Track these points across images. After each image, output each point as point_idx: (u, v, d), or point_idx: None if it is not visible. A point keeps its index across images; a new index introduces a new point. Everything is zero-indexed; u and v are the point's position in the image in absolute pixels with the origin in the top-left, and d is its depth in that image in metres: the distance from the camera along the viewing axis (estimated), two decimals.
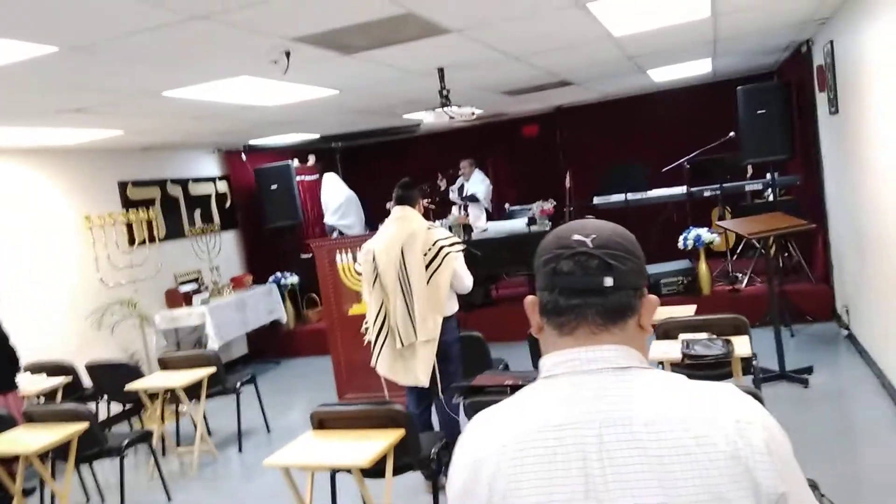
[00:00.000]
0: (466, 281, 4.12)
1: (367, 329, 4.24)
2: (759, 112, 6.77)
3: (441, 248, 3.99)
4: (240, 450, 5.42)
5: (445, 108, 5.12)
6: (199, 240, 7.83)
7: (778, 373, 5.03)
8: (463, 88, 5.77)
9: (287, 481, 3.10)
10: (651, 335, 1.12)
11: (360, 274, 4.43)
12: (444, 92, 5.10)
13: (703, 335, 3.80)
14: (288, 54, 3.79)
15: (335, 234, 7.98)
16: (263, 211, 8.53)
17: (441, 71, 4.94)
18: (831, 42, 5.33)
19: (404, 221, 4.07)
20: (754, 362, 3.92)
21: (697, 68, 7.18)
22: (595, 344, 1.08)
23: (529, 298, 1.16)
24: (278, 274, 8.33)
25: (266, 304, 7.98)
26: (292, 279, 8.37)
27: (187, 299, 7.23)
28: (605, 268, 1.07)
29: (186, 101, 4.77)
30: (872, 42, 4.21)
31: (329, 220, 8.29)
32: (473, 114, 5.40)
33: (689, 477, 0.98)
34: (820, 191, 6.60)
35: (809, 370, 5.13)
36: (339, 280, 5.93)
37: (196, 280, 7.65)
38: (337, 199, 8.26)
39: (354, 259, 5.76)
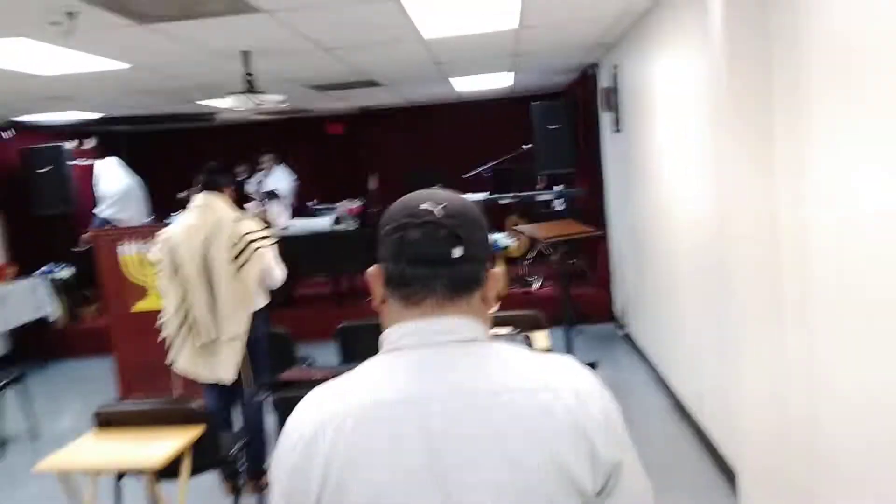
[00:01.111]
0: (277, 274, 3.91)
1: (163, 323, 3.88)
2: (552, 127, 7.27)
3: (250, 241, 3.75)
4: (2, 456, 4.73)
5: (250, 95, 4.87)
6: None
7: None
8: (268, 77, 5.53)
9: (63, 488, 2.73)
10: (493, 307, 1.12)
11: (154, 264, 4.04)
12: (249, 77, 4.85)
13: (507, 329, 3.96)
14: (72, 16, 3.37)
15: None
16: (31, 196, 7.57)
17: (246, 55, 4.69)
18: (615, 66, 5.85)
19: (208, 210, 3.76)
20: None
21: (499, 81, 7.54)
22: (442, 315, 1.05)
23: (373, 268, 1.11)
24: (51, 266, 7.42)
25: (31, 301, 7.07)
26: (65, 272, 7.51)
27: None
28: (454, 238, 1.04)
29: None
30: (653, 67, 4.67)
31: (103, 212, 7.52)
32: (282, 102, 5.19)
33: (533, 449, 0.98)
34: (602, 202, 7.21)
35: (594, 365, 5.55)
36: (123, 274, 5.41)
37: None
38: (114, 187, 7.52)
39: (140, 250, 5.31)
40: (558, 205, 7.60)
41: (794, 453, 2.70)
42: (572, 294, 6.72)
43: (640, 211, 5.54)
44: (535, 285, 7.44)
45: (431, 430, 0.99)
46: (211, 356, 3.74)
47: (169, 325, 3.79)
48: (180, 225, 3.82)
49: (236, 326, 3.72)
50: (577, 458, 0.99)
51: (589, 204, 7.54)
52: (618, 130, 6.05)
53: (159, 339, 3.87)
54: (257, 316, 3.86)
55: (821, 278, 2.43)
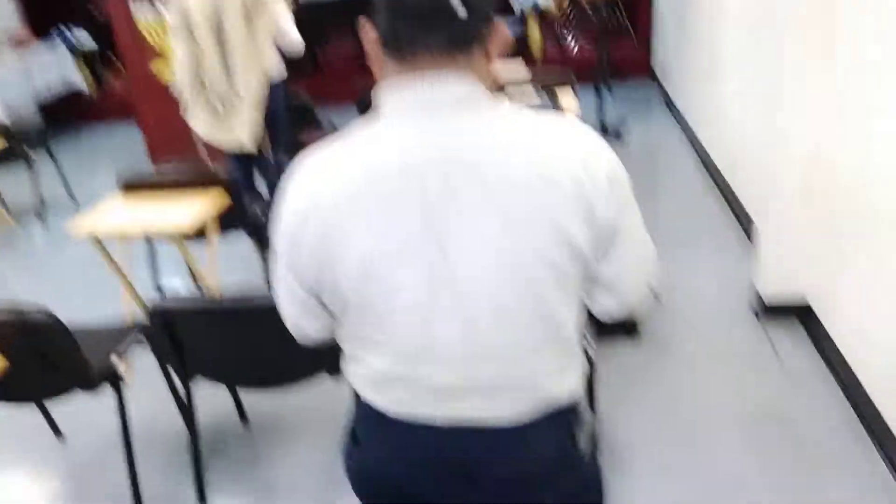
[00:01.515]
0: (294, 36, 3.77)
1: (179, 89, 3.83)
2: None
3: None
4: (43, 221, 4.97)
5: None
6: None
7: (598, 127, 5.26)
8: None
9: (99, 250, 2.86)
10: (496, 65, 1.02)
11: (169, 26, 3.90)
12: None
13: (529, 87, 3.80)
14: None
15: None
16: None
17: None
18: None
19: None
20: (578, 116, 4.02)
21: None
22: (440, 75, 0.96)
23: (365, 23, 1.00)
24: (63, 29, 7.20)
25: (57, 68, 6.98)
26: (86, 40, 7.31)
27: None
28: None
29: None
30: None
31: None
32: None
33: (529, 207, 0.95)
34: None
35: (625, 125, 5.40)
36: (141, 38, 5.25)
37: None
38: None
39: (154, 9, 5.11)
40: None
41: (821, 205, 2.65)
42: (610, 52, 6.39)
43: None
44: (571, 43, 7.04)
45: (427, 193, 0.96)
46: (228, 118, 3.73)
47: (185, 89, 3.74)
48: None
49: (252, 87, 3.67)
50: (576, 217, 0.96)
51: None
52: None
53: (181, 109, 3.85)
54: (276, 87, 3.81)
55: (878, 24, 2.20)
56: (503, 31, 1.01)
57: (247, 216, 3.27)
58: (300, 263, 1.04)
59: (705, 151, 4.55)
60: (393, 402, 1.08)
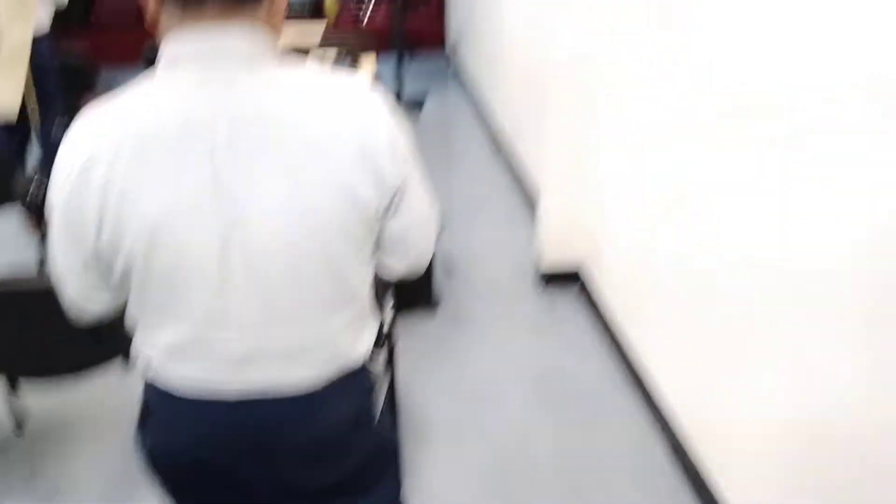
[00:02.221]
0: None
1: None
2: None
3: None
4: None
5: None
6: None
7: (396, 97, 5.35)
8: None
9: None
10: (282, 21, 1.03)
11: None
12: None
13: (333, 52, 3.78)
14: None
15: None
16: None
17: None
18: None
19: None
20: (378, 83, 4.07)
21: None
22: (225, 26, 0.94)
23: None
24: None
25: None
26: None
27: None
28: None
29: None
30: None
31: None
32: None
33: (317, 167, 0.97)
34: None
35: (423, 99, 5.54)
36: None
37: None
38: None
39: None
40: None
41: (587, 182, 2.95)
42: (406, 28, 6.48)
43: None
44: (367, 16, 7.03)
45: (214, 153, 0.94)
46: None
47: None
48: None
49: (16, 37, 3.26)
50: (363, 179, 0.99)
51: None
52: None
53: None
54: (41, 40, 3.40)
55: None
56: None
57: (16, 191, 2.95)
58: (80, 227, 0.98)
59: (495, 128, 4.81)
60: (185, 378, 1.07)
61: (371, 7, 6.98)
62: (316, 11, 6.67)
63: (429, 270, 3.04)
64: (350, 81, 1.04)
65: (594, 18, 2.72)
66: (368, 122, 1.01)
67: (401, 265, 1.17)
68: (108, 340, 1.84)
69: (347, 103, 1.01)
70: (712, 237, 1.96)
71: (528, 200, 3.90)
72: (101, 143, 0.94)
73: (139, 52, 3.88)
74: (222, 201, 0.95)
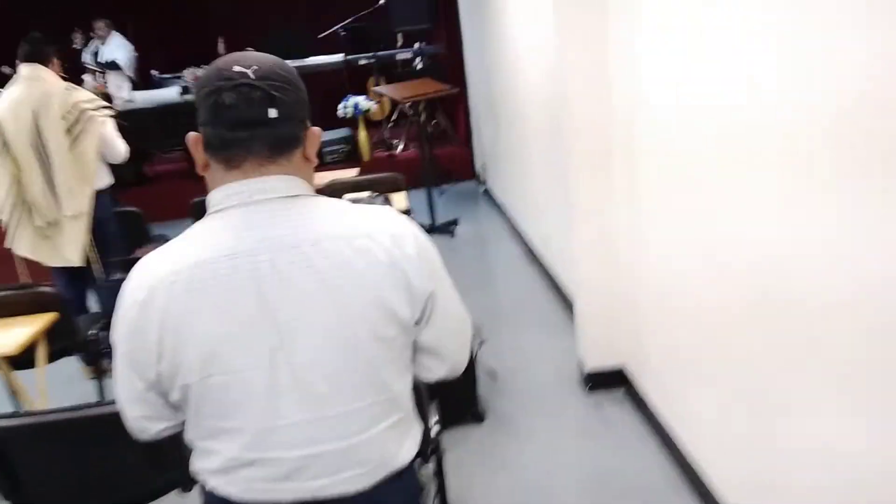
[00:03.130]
0: (119, 147, 3.72)
1: None
2: None
3: (83, 110, 3.51)
4: None
5: None
6: None
7: (430, 226, 5.57)
8: None
9: None
10: (314, 164, 1.18)
11: None
12: None
13: (366, 194, 4.01)
14: None
15: None
16: None
17: None
18: None
19: (36, 82, 3.48)
20: (411, 217, 4.27)
21: None
22: (262, 175, 1.09)
23: (192, 135, 1.12)
24: None
25: None
26: None
27: None
28: (268, 99, 1.06)
29: None
30: None
31: None
32: None
33: (354, 286, 1.07)
34: (461, 59, 7.18)
35: (455, 222, 5.76)
36: None
37: None
38: None
39: None
40: (418, 63, 7.50)
41: (621, 283, 3.01)
42: (435, 154, 6.84)
43: (493, 67, 5.59)
44: (399, 148, 7.45)
45: (260, 280, 1.05)
46: (54, 237, 3.58)
47: (2, 207, 3.56)
48: (5, 100, 3.52)
49: (78, 203, 3.55)
50: (395, 291, 1.09)
51: (448, 61, 7.49)
52: None
53: None
54: (102, 195, 3.71)
55: (646, 145, 2.62)
56: (317, 133, 1.15)
57: (78, 338, 3.14)
58: (142, 356, 1.08)
59: (528, 241, 4.96)
60: (241, 490, 1.13)
61: (402, 143, 7.42)
62: (350, 156, 7.11)
63: (473, 382, 3.08)
64: (377, 209, 1.17)
65: (613, 120, 2.89)
66: (397, 238, 1.11)
67: (439, 370, 1.25)
68: (167, 468, 1.92)
69: (377, 224, 1.13)
70: (757, 325, 1.98)
71: (566, 305, 3.96)
72: (158, 280, 1.07)
73: (186, 207, 4.17)
74: (268, 324, 1.05)
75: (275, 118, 1.07)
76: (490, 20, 5.39)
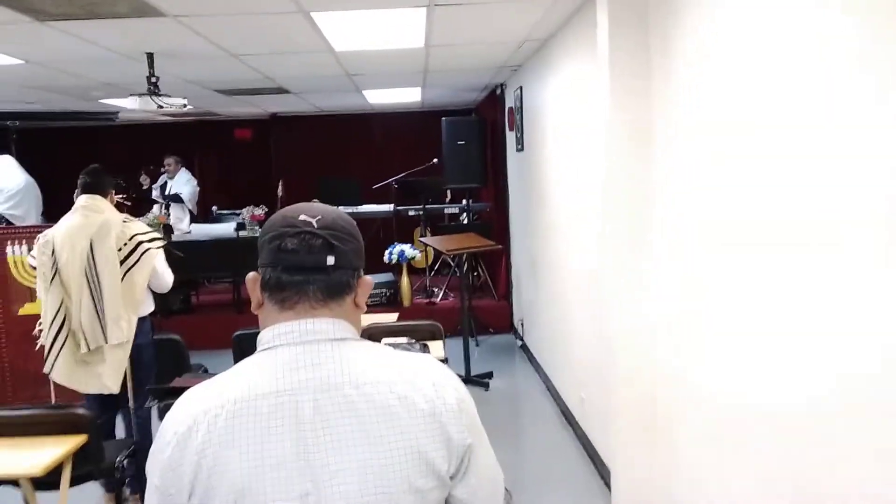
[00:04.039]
0: (167, 279, 3.82)
1: (41, 331, 3.71)
2: (460, 142, 7.44)
3: (139, 242, 3.65)
4: None
5: (154, 97, 4.80)
6: None
7: (464, 377, 5.53)
8: (173, 79, 5.47)
9: None
10: (363, 311, 1.22)
11: (34, 268, 3.85)
12: (153, 79, 4.78)
13: (404, 339, 4.05)
14: None
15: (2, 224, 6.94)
16: None
17: (150, 56, 4.63)
18: (521, 87, 6.08)
19: (93, 212, 3.63)
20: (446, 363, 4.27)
21: (409, 96, 7.66)
22: (313, 318, 1.13)
23: (251, 275, 1.18)
24: None
25: None
26: None
27: None
28: (327, 247, 1.13)
29: None
30: (550, 90, 4.90)
31: (1, 207, 7.19)
32: (185, 105, 5.12)
33: (392, 433, 1.08)
34: (506, 217, 7.43)
35: (490, 375, 5.72)
36: (9, 275, 5.19)
37: None
38: (13, 184, 7.20)
39: (29, 250, 5.09)
40: (464, 218, 7.79)
41: (660, 453, 2.91)
42: (474, 305, 6.92)
43: (534, 228, 5.77)
44: (438, 296, 7.57)
45: (300, 420, 1.06)
46: (93, 364, 3.57)
47: (46, 333, 3.61)
48: (62, 227, 3.64)
49: (123, 332, 3.60)
50: (433, 443, 1.09)
51: (494, 218, 7.76)
52: (520, 149, 6.27)
53: (37, 347, 3.71)
54: (143, 322, 3.76)
55: (687, 299, 2.65)
56: (369, 283, 1.20)
57: (103, 464, 3.11)
58: (174, 490, 1.07)
59: (563, 401, 4.87)
60: None
61: (443, 292, 7.55)
62: (392, 301, 7.25)
63: None
64: (420, 356, 1.20)
65: (651, 293, 2.93)
66: (437, 388, 1.13)
67: None
68: None
69: (420, 372, 1.15)
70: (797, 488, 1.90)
71: (601, 474, 3.82)
72: (201, 414, 1.08)
73: (227, 338, 4.24)
74: (302, 468, 1.05)
75: (331, 265, 1.13)
76: (532, 184, 5.63)
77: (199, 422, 1.08)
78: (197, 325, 6.75)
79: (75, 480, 2.93)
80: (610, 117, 2.97)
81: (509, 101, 6.81)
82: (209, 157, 9.81)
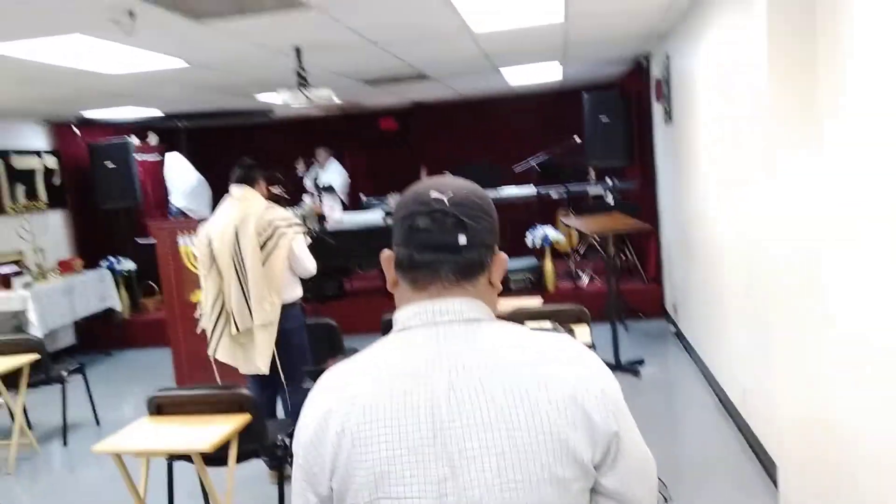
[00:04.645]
0: (308, 264, 3.97)
1: (201, 315, 4.02)
2: (603, 119, 7.19)
3: (277, 227, 3.83)
4: (64, 443, 4.99)
5: (302, 89, 4.99)
6: (22, 218, 7.13)
7: (614, 364, 5.35)
8: (320, 72, 5.67)
9: (120, 469, 2.87)
10: (499, 290, 1.16)
11: (197, 258, 4.18)
12: (300, 72, 4.97)
13: (548, 324, 3.96)
14: (132, 14, 3.51)
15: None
16: (97, 190, 7.90)
17: (298, 50, 4.81)
18: (668, 56, 5.76)
19: (242, 202, 3.89)
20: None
21: (549, 74, 7.49)
22: (447, 298, 1.09)
23: (385, 253, 1.16)
24: (111, 259, 7.74)
25: (97, 291, 7.40)
26: (128, 265, 7.81)
27: (6, 282, 6.56)
28: (460, 226, 1.08)
29: (9, 60, 4.31)
30: (701, 57, 4.58)
31: (178, 202, 7.85)
32: (331, 97, 5.30)
33: (531, 419, 1.01)
34: (654, 196, 7.11)
35: (641, 362, 5.50)
36: (182, 265, 5.62)
37: (17, 262, 6.95)
38: (188, 180, 7.84)
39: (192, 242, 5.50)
40: (609, 198, 7.52)
41: (833, 447, 2.65)
42: (622, 289, 6.69)
43: (687, 206, 5.45)
44: (584, 280, 7.39)
45: (435, 403, 1.03)
46: (247, 345, 3.83)
47: (207, 317, 3.90)
48: (216, 218, 3.94)
49: (267, 314, 3.80)
50: (575, 430, 1.01)
51: (641, 198, 7.45)
52: (669, 122, 5.95)
53: (198, 331, 4.00)
54: (291, 307, 3.93)
55: (858, 282, 2.37)
56: (504, 259, 1.14)
57: (266, 442, 3.29)
58: (316, 470, 1.07)
59: (722, 390, 4.58)
60: None
61: (588, 276, 7.36)
62: (535, 286, 7.16)
63: None
64: (561, 337, 1.12)
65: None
66: (580, 372, 1.06)
67: None
68: None
69: (559, 355, 1.08)
70: None
71: (766, 468, 3.55)
72: (338, 397, 1.08)
73: (378, 322, 4.36)
74: (439, 452, 1.01)
75: (464, 245, 1.08)
76: (684, 158, 5.32)
77: (337, 403, 1.07)
78: (350, 309, 7.01)
79: (241, 457, 3.11)
80: (769, 82, 2.71)
81: (655, 72, 6.48)
82: (357, 148, 10.15)
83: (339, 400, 1.07)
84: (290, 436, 3.51)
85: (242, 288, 3.80)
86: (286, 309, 3.89)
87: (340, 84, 6.53)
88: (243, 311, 3.81)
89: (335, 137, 9.41)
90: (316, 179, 8.41)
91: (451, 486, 1.01)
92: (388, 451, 1.03)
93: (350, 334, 4.85)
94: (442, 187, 1.11)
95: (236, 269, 3.80)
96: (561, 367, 1.05)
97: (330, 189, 8.28)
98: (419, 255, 1.09)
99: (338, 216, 7.82)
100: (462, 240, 1.08)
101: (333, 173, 8.44)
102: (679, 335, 6.20)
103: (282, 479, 3.65)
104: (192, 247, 5.35)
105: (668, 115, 5.92)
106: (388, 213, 7.29)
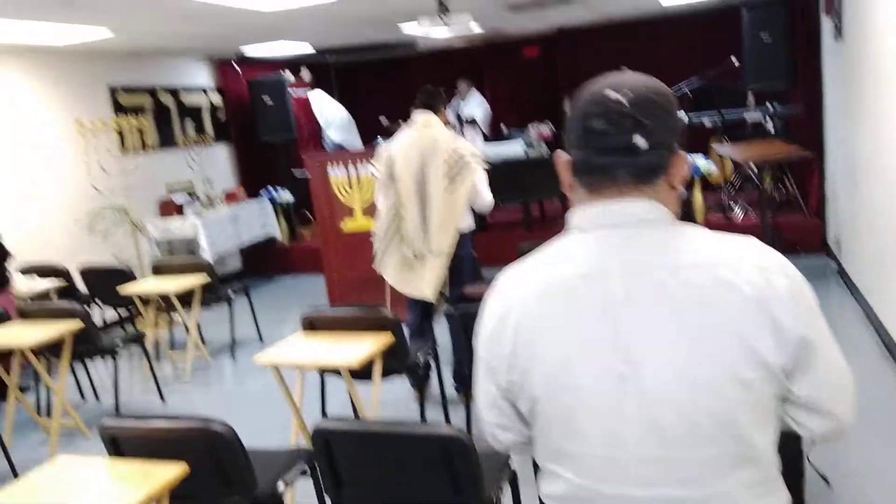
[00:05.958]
0: (487, 197, 3.96)
1: (374, 236, 4.10)
2: (763, 37, 6.63)
3: (463, 157, 3.84)
4: (233, 356, 5.52)
5: (441, 16, 4.97)
6: (192, 151, 7.75)
7: None
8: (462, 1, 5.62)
9: (277, 379, 3.15)
10: (679, 192, 1.11)
11: (375, 177, 4.25)
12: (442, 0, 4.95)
13: None
14: None
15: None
16: (257, 124, 8.40)
17: None
18: None
19: (427, 128, 3.90)
20: None
21: None
22: (623, 200, 1.06)
23: (561, 155, 1.14)
24: (271, 189, 8.27)
25: (260, 219, 7.96)
26: (286, 196, 8.32)
27: (179, 210, 7.20)
28: (637, 126, 1.04)
29: None
30: None
31: (334, 136, 8.19)
32: (470, 22, 5.24)
33: (713, 320, 0.98)
34: (820, 122, 6.53)
35: None
36: (333, 195, 5.90)
37: (188, 191, 7.60)
38: (339, 114, 8.14)
39: (349, 174, 5.74)
40: (770, 125, 6.99)
41: None
42: (779, 223, 6.27)
43: (858, 133, 4.97)
44: (737, 212, 7.00)
45: (612, 302, 1.03)
46: (417, 270, 3.90)
47: (380, 230, 3.97)
48: (399, 141, 3.97)
49: (444, 243, 3.85)
50: (759, 331, 0.98)
51: (805, 124, 6.86)
52: (839, 38, 5.40)
53: (375, 250, 4.08)
54: (465, 237, 3.99)
55: None
56: (684, 158, 1.08)
57: (408, 361, 3.45)
58: (496, 365, 1.12)
59: (888, 335, 4.24)
60: None
61: (742, 209, 6.95)
62: (682, 219, 6.84)
63: (800, 484, 2.70)
64: (743, 238, 1.07)
65: None
66: (765, 272, 1.00)
67: (819, 427, 1.08)
68: (466, 490, 2.00)
69: (744, 253, 1.03)
70: None
71: None
72: (514, 295, 1.12)
73: (515, 254, 4.39)
74: (619, 352, 1.01)
75: (642, 147, 1.04)
76: (857, 79, 4.82)
77: (514, 300, 1.11)
78: (489, 241, 7.07)
79: (385, 374, 3.30)
80: None
81: None
82: (498, 78, 10.03)
83: (514, 298, 1.11)
84: (432, 356, 3.67)
85: (424, 215, 3.84)
86: (460, 238, 3.95)
87: (483, 12, 6.44)
88: (420, 237, 3.86)
89: (477, 67, 9.35)
90: (458, 112, 8.45)
91: (631, 384, 1.00)
92: (563, 348, 1.04)
93: (488, 265, 4.94)
94: (618, 85, 1.07)
95: (419, 196, 3.84)
96: (745, 269, 1.00)
97: (472, 121, 8.29)
98: (595, 158, 1.06)
99: (479, 148, 7.83)
100: (639, 142, 1.03)
101: (475, 105, 8.43)
102: (841, 273, 5.76)
103: (423, 399, 3.84)
104: (344, 179, 5.58)
105: (839, 30, 5.36)
106: (528, 145, 7.21)
